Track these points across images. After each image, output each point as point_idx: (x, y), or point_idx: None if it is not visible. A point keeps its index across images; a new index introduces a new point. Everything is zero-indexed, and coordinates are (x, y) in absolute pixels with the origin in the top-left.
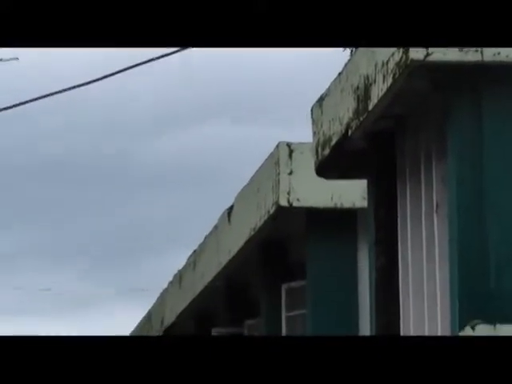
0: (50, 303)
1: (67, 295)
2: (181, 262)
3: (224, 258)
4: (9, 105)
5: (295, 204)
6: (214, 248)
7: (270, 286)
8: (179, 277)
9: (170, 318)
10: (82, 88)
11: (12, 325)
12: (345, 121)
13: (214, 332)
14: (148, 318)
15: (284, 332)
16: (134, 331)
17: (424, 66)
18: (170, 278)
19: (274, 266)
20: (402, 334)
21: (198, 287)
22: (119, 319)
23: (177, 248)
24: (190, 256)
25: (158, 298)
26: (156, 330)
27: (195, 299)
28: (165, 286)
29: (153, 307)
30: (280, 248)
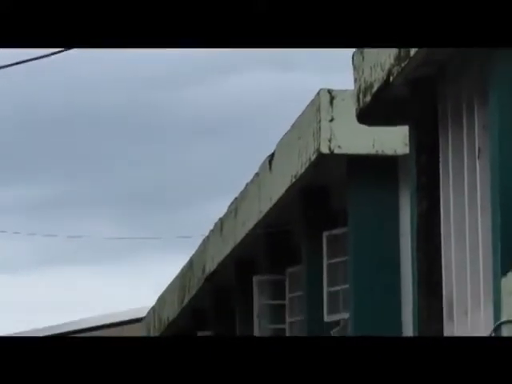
0: (93, 252)
1: (111, 244)
2: (222, 209)
3: (265, 206)
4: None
5: (336, 151)
6: (255, 196)
7: (312, 234)
8: (220, 225)
9: (211, 265)
10: None
11: (63, 275)
12: (386, 67)
13: (256, 279)
14: (189, 266)
15: (325, 279)
16: (175, 279)
17: None
18: (211, 226)
19: (315, 214)
20: (443, 281)
21: (239, 235)
22: (162, 267)
23: (218, 196)
24: (231, 204)
25: (199, 246)
26: (197, 278)
27: (236, 247)
28: (206, 233)
29: (194, 255)
30: (321, 195)
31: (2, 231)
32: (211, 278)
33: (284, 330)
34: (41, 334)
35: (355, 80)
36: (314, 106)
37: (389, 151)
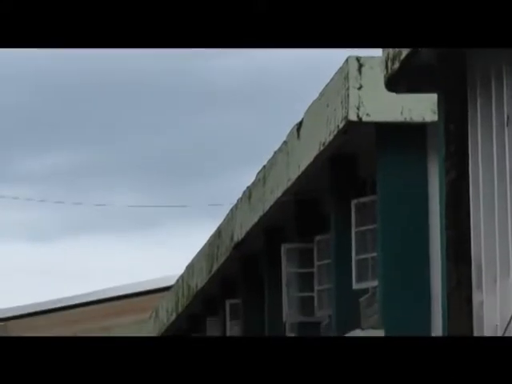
0: (120, 221)
1: (138, 213)
2: (250, 178)
3: (293, 174)
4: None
5: (365, 119)
6: (283, 163)
7: (340, 201)
8: (248, 193)
9: (239, 234)
10: None
11: (90, 243)
12: None
13: (284, 248)
14: (218, 235)
15: (353, 247)
16: (203, 247)
17: None
18: (240, 195)
19: (343, 181)
20: (472, 249)
21: (268, 203)
22: (190, 236)
23: (246, 164)
24: (259, 172)
25: (227, 215)
26: (226, 246)
27: (264, 215)
28: (234, 202)
29: (222, 223)
30: (349, 163)
31: (29, 199)
32: (239, 246)
33: (312, 298)
34: (69, 303)
35: None
36: (343, 73)
37: (417, 118)
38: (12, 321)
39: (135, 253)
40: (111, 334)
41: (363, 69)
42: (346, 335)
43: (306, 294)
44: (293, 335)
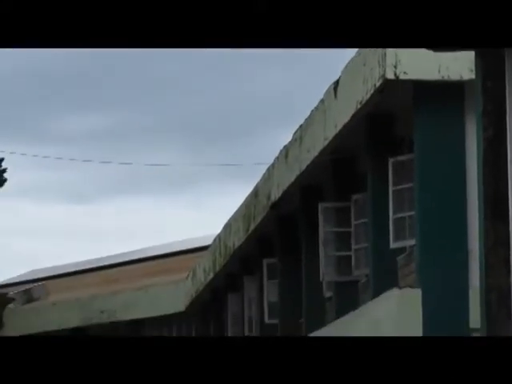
0: (160, 180)
1: (177, 172)
2: (287, 137)
3: (330, 133)
4: None
5: (402, 77)
6: (320, 122)
7: (377, 160)
8: (285, 152)
9: (276, 193)
10: None
11: (132, 203)
12: None
13: (321, 207)
14: (254, 194)
15: (391, 206)
16: (240, 207)
17: None
18: (276, 154)
19: (380, 140)
20: (510, 206)
21: (304, 162)
22: (227, 195)
23: (283, 123)
24: (296, 131)
25: (264, 174)
26: (262, 206)
27: (301, 174)
28: (271, 161)
29: (259, 183)
30: (386, 121)
31: (72, 159)
32: (276, 205)
33: (350, 257)
34: (107, 263)
35: None
36: None
37: (454, 76)
38: (51, 280)
39: (173, 213)
40: (149, 294)
41: None
42: (382, 296)
43: (343, 253)
44: (330, 294)
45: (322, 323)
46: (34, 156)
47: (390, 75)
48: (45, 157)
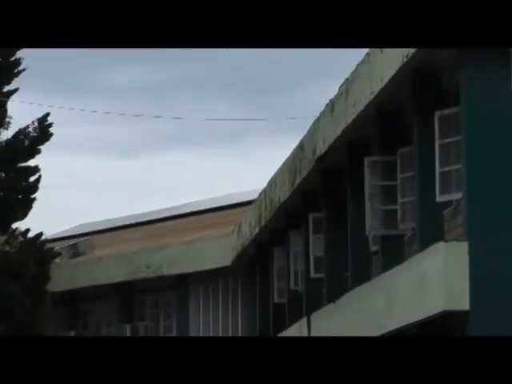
0: (210, 134)
1: (226, 126)
2: (333, 91)
3: (376, 86)
4: None
5: None
6: (366, 76)
7: (423, 114)
8: (331, 106)
9: (322, 147)
10: None
11: (174, 157)
12: None
13: (367, 161)
14: (300, 148)
15: (437, 159)
16: (286, 161)
17: None
18: (322, 108)
19: (426, 93)
20: None
21: (350, 116)
22: (273, 150)
23: (328, 77)
24: (342, 85)
25: (309, 128)
26: (308, 160)
27: (347, 128)
28: (316, 115)
29: (305, 137)
30: (433, 74)
31: (121, 114)
32: (322, 159)
33: (396, 210)
34: (153, 217)
35: None
36: None
37: None
38: (96, 235)
39: (218, 167)
40: (195, 248)
41: None
42: (428, 249)
43: (389, 207)
44: (376, 248)
45: (367, 277)
46: (82, 110)
47: None
48: (93, 111)
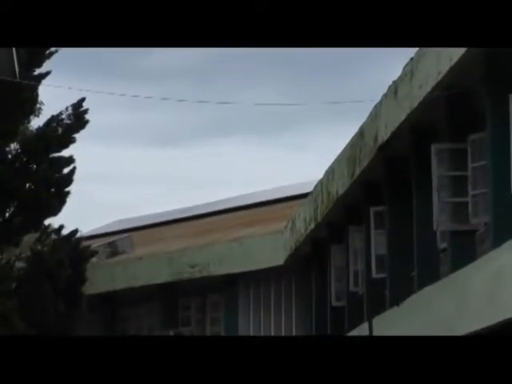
0: (260, 121)
1: (278, 111)
2: (396, 72)
3: (444, 66)
4: None
5: None
6: (433, 55)
7: (497, 96)
8: (394, 88)
9: (384, 134)
10: None
11: (222, 147)
12: None
13: (435, 148)
14: (360, 135)
15: None
16: (344, 150)
17: None
18: (384, 90)
19: (500, 74)
20: None
21: (416, 99)
22: (330, 137)
23: (391, 57)
24: (406, 65)
25: (370, 113)
26: (369, 148)
27: (412, 112)
28: (378, 99)
29: (365, 123)
30: (507, 54)
31: (164, 98)
32: (384, 147)
33: (466, 203)
34: (198, 212)
35: None
36: None
37: None
38: (136, 232)
39: (269, 157)
40: (244, 246)
41: None
42: (503, 245)
43: (460, 200)
44: (444, 245)
45: (435, 277)
46: (122, 95)
47: None
48: (134, 96)
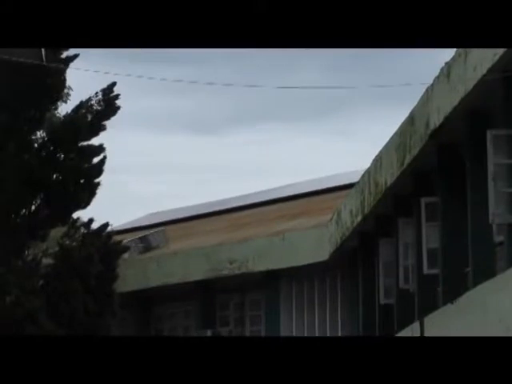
0: (300, 106)
1: (319, 95)
2: (448, 53)
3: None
4: None
5: None
6: None
7: None
8: (447, 70)
9: (436, 119)
10: None
11: (261, 134)
12: None
13: (490, 134)
14: (410, 121)
15: None
16: (393, 137)
17: None
18: (436, 73)
19: None
20: None
21: (470, 82)
22: (377, 124)
23: None
24: None
25: (421, 97)
26: (420, 135)
27: (467, 96)
28: (429, 81)
29: (415, 108)
30: None
31: (193, 82)
32: (437, 134)
33: None
34: (236, 204)
35: None
36: None
37: None
38: (170, 226)
39: (312, 144)
40: (286, 241)
41: None
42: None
43: None
44: (501, 239)
45: (491, 273)
46: (150, 79)
47: None
48: (162, 79)
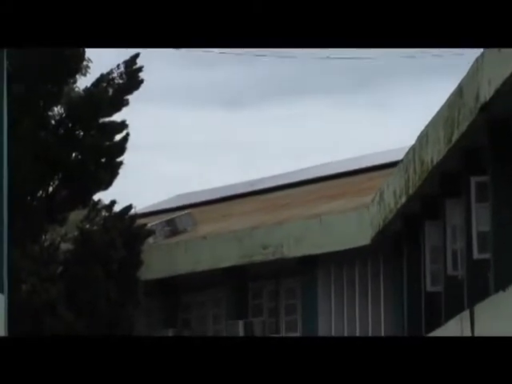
0: (337, 77)
1: (357, 66)
2: None
3: None
4: None
5: None
6: None
7: None
8: None
9: (487, 92)
10: None
11: (299, 109)
12: None
13: None
14: (459, 94)
15: None
16: (440, 111)
17: None
18: None
19: None
20: None
21: None
22: (423, 97)
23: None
24: None
25: (470, 67)
26: (469, 109)
27: None
28: (479, 51)
29: (464, 79)
30: None
31: (222, 53)
32: (487, 107)
33: None
34: (270, 185)
35: None
36: None
37: None
38: (198, 208)
39: (352, 119)
40: (324, 224)
41: None
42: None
43: None
44: None
45: None
46: (176, 49)
47: None
48: (188, 50)
